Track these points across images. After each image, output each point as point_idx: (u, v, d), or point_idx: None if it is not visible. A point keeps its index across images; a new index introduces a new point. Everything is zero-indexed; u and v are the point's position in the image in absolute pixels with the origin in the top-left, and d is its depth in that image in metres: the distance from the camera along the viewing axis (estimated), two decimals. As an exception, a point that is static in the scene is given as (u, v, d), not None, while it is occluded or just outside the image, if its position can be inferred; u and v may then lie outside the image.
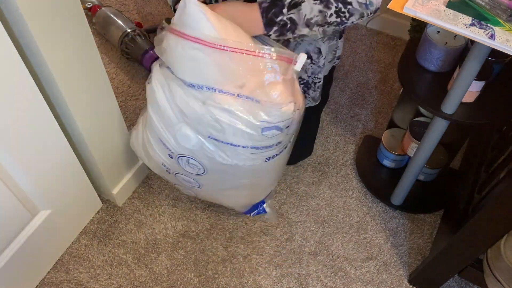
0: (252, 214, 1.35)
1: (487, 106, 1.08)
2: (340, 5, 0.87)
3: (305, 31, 0.89)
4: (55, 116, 1.07)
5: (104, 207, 1.43)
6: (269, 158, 1.03)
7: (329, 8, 0.87)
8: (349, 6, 0.88)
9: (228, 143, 0.96)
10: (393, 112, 1.55)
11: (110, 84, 1.15)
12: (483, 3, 0.81)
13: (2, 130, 0.95)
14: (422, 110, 1.43)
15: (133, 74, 1.77)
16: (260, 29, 0.87)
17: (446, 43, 1.10)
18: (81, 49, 1.00)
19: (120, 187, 1.38)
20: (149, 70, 1.73)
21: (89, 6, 1.85)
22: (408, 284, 1.31)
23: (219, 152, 0.99)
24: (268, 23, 0.87)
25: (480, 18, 0.80)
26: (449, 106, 1.04)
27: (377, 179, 1.51)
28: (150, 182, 1.49)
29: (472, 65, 0.94)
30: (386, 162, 1.51)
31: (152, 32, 1.88)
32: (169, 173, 1.18)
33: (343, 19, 0.89)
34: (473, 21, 0.80)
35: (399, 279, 1.32)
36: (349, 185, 1.50)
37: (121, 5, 2.02)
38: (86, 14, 1.84)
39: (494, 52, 0.86)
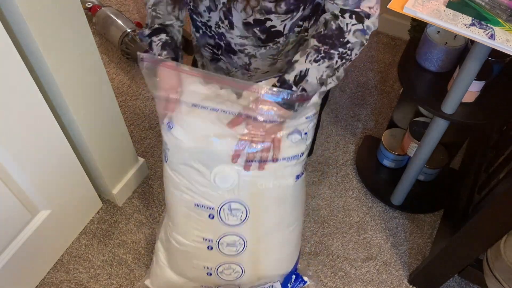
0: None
1: (487, 106, 1.08)
2: (341, 49, 0.87)
3: (323, 88, 0.90)
4: (55, 116, 1.07)
5: (104, 207, 1.43)
6: (297, 177, 1.01)
7: (332, 58, 0.88)
8: (348, 45, 0.88)
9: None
10: (393, 112, 1.55)
11: (110, 84, 1.15)
12: (483, 3, 0.81)
13: (2, 130, 0.95)
14: (422, 110, 1.43)
15: (133, 74, 1.77)
16: (286, 113, 0.89)
17: (446, 43, 1.10)
18: (81, 49, 1.00)
19: (120, 187, 1.38)
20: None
21: (89, 6, 1.85)
22: (408, 284, 1.31)
23: (256, 177, 0.96)
24: (288, 107, 0.88)
25: (480, 18, 0.80)
26: (449, 106, 1.04)
27: (377, 179, 1.51)
28: (150, 182, 1.49)
29: (472, 65, 0.94)
30: (386, 162, 1.51)
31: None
32: (210, 274, 1.13)
33: (348, 57, 0.89)
34: (473, 21, 0.80)
35: (399, 279, 1.32)
36: (349, 185, 1.50)
37: (121, 5, 2.02)
38: (86, 14, 1.84)
39: (494, 52, 0.86)
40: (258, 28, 0.90)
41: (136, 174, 1.43)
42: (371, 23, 0.86)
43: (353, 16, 0.84)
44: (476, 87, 1.03)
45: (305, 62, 0.87)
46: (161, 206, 1.43)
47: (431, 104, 1.08)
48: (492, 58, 1.02)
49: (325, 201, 1.47)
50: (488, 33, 0.78)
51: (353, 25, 0.85)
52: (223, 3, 0.87)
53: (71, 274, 1.30)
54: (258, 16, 0.87)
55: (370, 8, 0.84)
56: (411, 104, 1.50)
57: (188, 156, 0.93)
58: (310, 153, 1.47)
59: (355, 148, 1.59)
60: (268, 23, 0.89)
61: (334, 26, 0.86)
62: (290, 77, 0.87)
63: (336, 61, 0.88)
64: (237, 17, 0.88)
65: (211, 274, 1.14)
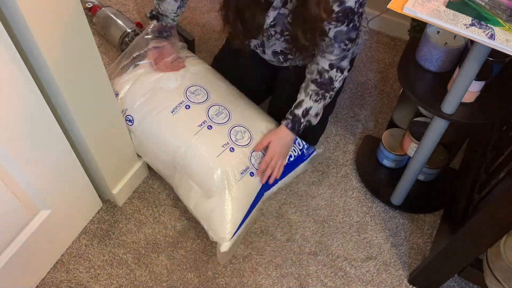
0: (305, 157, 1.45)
1: (487, 106, 1.08)
2: (331, 92, 1.26)
3: (317, 118, 1.31)
4: (55, 116, 1.07)
5: (104, 207, 1.43)
6: None
7: (326, 99, 1.27)
8: (335, 89, 1.27)
9: None
10: (393, 112, 1.55)
11: (110, 84, 1.15)
12: (483, 3, 0.81)
13: (2, 130, 0.95)
14: (422, 110, 1.43)
15: (133, 74, 1.77)
16: (293, 138, 1.32)
17: (446, 43, 1.10)
18: (81, 49, 1.00)
19: (120, 187, 1.38)
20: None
21: (89, 6, 1.85)
22: (408, 284, 1.31)
23: None
24: (297, 132, 1.30)
25: (480, 18, 0.80)
26: (449, 106, 1.04)
27: (377, 179, 1.51)
28: (150, 182, 1.49)
29: (472, 65, 0.94)
30: (386, 162, 1.51)
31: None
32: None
33: (332, 96, 1.28)
34: (473, 21, 0.80)
35: (399, 279, 1.32)
36: (349, 185, 1.50)
37: (121, 5, 2.02)
38: (86, 14, 1.84)
39: (494, 52, 0.86)
40: (282, 56, 1.33)
41: (136, 174, 1.43)
42: (346, 72, 1.25)
43: (338, 70, 1.22)
44: (476, 87, 1.03)
45: (309, 100, 1.25)
46: (161, 206, 1.43)
47: (431, 104, 1.08)
48: (492, 58, 1.02)
49: (325, 201, 1.47)
50: (488, 33, 0.78)
51: (339, 76, 1.23)
52: (262, 38, 1.29)
53: (71, 274, 1.30)
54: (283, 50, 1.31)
55: (346, 65, 1.23)
56: (411, 104, 1.50)
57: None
58: (314, 143, 1.52)
59: (355, 148, 1.59)
60: (289, 56, 1.32)
61: (327, 76, 1.23)
62: (299, 112, 1.27)
63: (327, 100, 1.28)
64: (268, 48, 1.32)
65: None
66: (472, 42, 0.91)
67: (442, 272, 1.20)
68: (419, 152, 1.23)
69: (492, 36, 0.78)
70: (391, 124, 1.55)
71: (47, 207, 1.20)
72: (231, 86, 1.43)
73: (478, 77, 0.99)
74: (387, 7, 0.83)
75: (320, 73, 1.23)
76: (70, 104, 1.05)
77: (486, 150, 1.31)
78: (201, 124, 1.28)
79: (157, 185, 1.47)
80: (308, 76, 1.27)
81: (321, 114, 1.31)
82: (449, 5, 0.82)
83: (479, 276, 1.13)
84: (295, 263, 1.34)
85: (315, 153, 1.44)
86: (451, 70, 1.10)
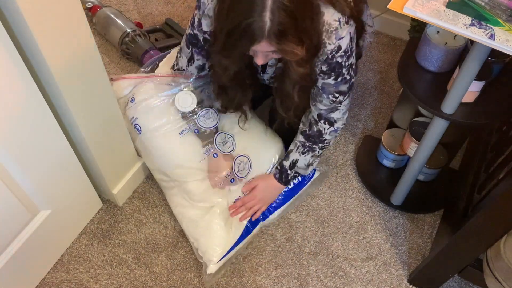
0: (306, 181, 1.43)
1: (487, 106, 1.08)
2: (321, 144, 1.22)
3: (309, 169, 1.30)
4: (55, 116, 1.07)
5: (104, 207, 1.43)
6: None
7: (314, 150, 1.23)
8: (326, 141, 1.22)
9: None
10: (393, 112, 1.55)
11: (110, 84, 1.15)
12: (483, 3, 0.81)
13: (2, 131, 0.95)
14: (422, 110, 1.43)
15: (133, 74, 1.77)
16: (282, 187, 1.33)
17: (446, 43, 1.10)
18: (81, 49, 1.00)
19: (120, 187, 1.38)
20: (149, 70, 1.74)
21: (89, 6, 1.85)
22: (408, 284, 1.31)
23: None
24: (285, 183, 1.31)
25: (480, 18, 0.80)
26: (449, 106, 1.04)
27: (377, 179, 1.51)
28: (150, 182, 1.49)
29: (472, 65, 0.94)
30: (386, 162, 1.51)
31: (152, 32, 1.88)
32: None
33: (326, 146, 1.24)
34: (473, 21, 0.80)
35: (399, 279, 1.32)
36: (349, 185, 1.50)
37: (121, 5, 2.02)
38: (86, 14, 1.84)
39: (494, 52, 0.86)
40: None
41: (136, 174, 1.43)
42: (340, 125, 1.19)
43: (326, 122, 1.17)
44: (476, 87, 1.03)
45: (295, 152, 1.24)
46: (161, 206, 1.43)
47: (431, 104, 1.08)
48: (492, 58, 1.02)
49: (325, 201, 1.47)
50: (488, 33, 0.78)
51: (328, 128, 1.18)
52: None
53: (71, 274, 1.30)
54: None
55: (337, 118, 1.16)
56: (411, 104, 1.50)
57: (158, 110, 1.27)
58: None
59: (355, 148, 1.59)
60: None
61: (315, 129, 1.19)
62: (286, 163, 1.26)
63: (318, 151, 1.24)
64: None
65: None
66: (472, 42, 0.91)
67: (442, 272, 1.20)
68: (419, 152, 1.23)
69: (492, 36, 0.78)
70: (391, 124, 1.55)
71: (47, 207, 1.20)
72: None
73: (478, 77, 0.99)
74: (387, 7, 0.83)
75: (310, 124, 1.20)
76: (70, 104, 1.05)
77: (486, 150, 1.31)
78: (207, 152, 1.30)
79: (157, 185, 1.47)
80: (300, 126, 1.25)
81: (314, 164, 1.28)
82: (449, 5, 0.82)
83: (479, 276, 1.13)
84: (295, 263, 1.34)
85: (316, 175, 1.43)
86: (451, 70, 1.10)
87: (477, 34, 0.78)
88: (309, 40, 0.94)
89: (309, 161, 1.25)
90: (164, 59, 1.40)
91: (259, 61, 1.00)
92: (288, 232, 1.39)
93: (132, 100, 1.30)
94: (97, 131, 1.19)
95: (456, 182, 1.44)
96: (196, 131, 1.28)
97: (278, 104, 1.19)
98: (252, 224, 1.32)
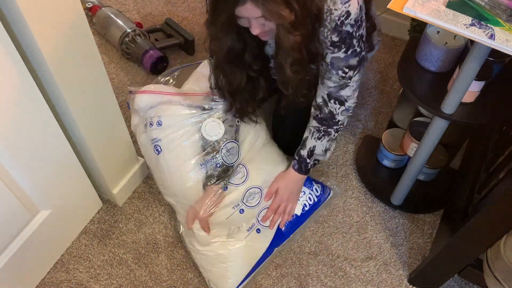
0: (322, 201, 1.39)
1: (487, 106, 1.08)
2: (335, 127, 1.18)
3: (327, 154, 1.25)
4: (55, 116, 1.07)
5: (104, 207, 1.43)
6: None
7: (330, 134, 1.19)
8: (339, 122, 1.18)
9: None
10: (393, 112, 1.55)
11: (110, 84, 1.15)
12: (483, 3, 0.81)
13: (2, 130, 0.95)
14: (422, 110, 1.43)
15: (133, 74, 1.77)
16: (304, 177, 1.28)
17: (446, 43, 1.10)
18: (81, 49, 1.00)
19: (120, 187, 1.38)
20: (149, 70, 1.73)
21: (89, 6, 1.85)
22: (408, 284, 1.31)
23: None
24: (305, 172, 1.26)
25: (480, 18, 0.80)
26: (449, 106, 1.04)
27: (377, 179, 1.51)
28: (150, 182, 1.49)
29: (472, 65, 0.94)
30: (386, 162, 1.51)
31: (152, 32, 1.88)
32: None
33: (341, 128, 1.20)
34: (473, 21, 0.80)
35: (399, 279, 1.32)
36: (349, 185, 1.50)
37: (121, 5, 2.02)
38: (86, 14, 1.84)
39: (494, 52, 0.86)
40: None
41: (136, 174, 1.43)
42: (351, 103, 1.15)
43: (337, 102, 1.13)
44: (476, 87, 1.03)
45: (311, 139, 1.20)
46: (161, 206, 1.43)
47: (431, 104, 1.08)
48: (492, 58, 1.02)
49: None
50: (488, 33, 0.78)
51: (339, 108, 1.14)
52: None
53: (71, 274, 1.30)
54: None
55: (347, 96, 1.12)
56: (411, 104, 1.50)
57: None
58: None
59: (355, 148, 1.59)
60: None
61: (326, 111, 1.16)
62: (304, 152, 1.22)
63: (334, 134, 1.20)
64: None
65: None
66: (472, 42, 0.91)
67: (442, 272, 1.20)
68: (419, 152, 1.23)
69: (492, 36, 0.78)
70: (391, 124, 1.55)
71: (47, 207, 1.20)
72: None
73: (478, 77, 0.99)
74: (387, 7, 0.83)
75: (319, 107, 1.17)
76: (70, 104, 1.05)
77: (486, 150, 1.30)
78: (218, 182, 1.25)
79: (157, 185, 1.47)
80: (312, 111, 1.21)
81: (332, 149, 1.24)
82: (449, 5, 0.82)
83: (479, 276, 1.13)
84: (295, 263, 1.33)
85: (331, 195, 1.41)
86: (451, 70, 1.10)
87: (477, 34, 0.78)
88: (297, 3, 0.91)
89: (326, 146, 1.21)
90: (192, 75, 1.36)
91: (255, 30, 0.96)
92: (288, 232, 1.39)
93: (159, 124, 1.23)
94: (97, 131, 1.19)
95: (456, 182, 1.44)
96: (218, 165, 1.23)
97: (278, 81, 1.16)
98: (265, 252, 1.27)
